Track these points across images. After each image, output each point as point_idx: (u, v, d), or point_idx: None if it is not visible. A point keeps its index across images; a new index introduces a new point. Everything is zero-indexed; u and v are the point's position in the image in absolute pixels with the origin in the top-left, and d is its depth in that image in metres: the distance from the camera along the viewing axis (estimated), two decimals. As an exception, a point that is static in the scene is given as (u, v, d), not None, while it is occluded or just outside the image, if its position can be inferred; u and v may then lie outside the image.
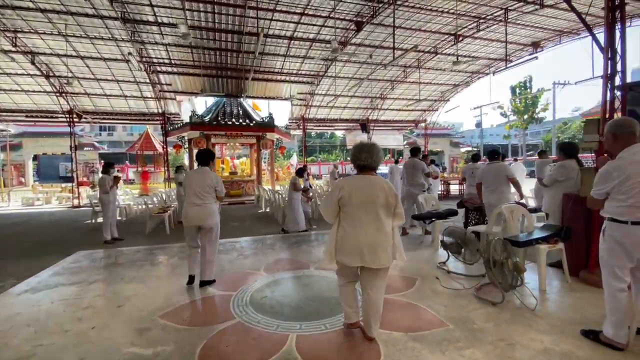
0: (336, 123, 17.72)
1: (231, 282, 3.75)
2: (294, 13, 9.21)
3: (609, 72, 3.30)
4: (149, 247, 5.59)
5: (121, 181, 7.45)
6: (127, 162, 30.29)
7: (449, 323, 2.68)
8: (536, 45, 12.20)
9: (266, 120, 12.91)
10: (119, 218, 7.59)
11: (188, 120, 12.06)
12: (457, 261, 4.21)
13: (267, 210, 9.90)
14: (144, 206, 9.03)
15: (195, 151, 14.26)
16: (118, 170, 18.67)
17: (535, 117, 35.31)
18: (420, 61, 13.12)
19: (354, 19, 9.69)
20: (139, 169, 17.21)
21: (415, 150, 6.34)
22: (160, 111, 13.98)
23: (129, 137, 40.92)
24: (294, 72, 13.08)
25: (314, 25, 10.02)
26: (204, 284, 3.61)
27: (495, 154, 5.25)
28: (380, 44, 11.49)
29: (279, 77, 13.37)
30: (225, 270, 4.20)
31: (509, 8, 9.13)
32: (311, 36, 10.71)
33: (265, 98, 14.77)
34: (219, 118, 12.63)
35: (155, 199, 8.36)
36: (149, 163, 18.85)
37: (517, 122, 36.03)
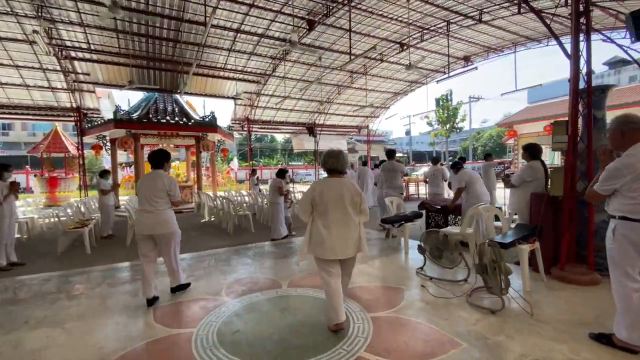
0: (282, 126, 17.15)
1: (187, 315, 2.98)
2: (242, 3, 8.49)
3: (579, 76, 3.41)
4: (64, 273, 4.36)
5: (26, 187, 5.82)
6: (27, 166, 25.36)
7: (460, 341, 2.38)
8: (467, 59, 13.34)
9: (208, 119, 11.77)
10: (17, 236, 5.94)
11: (111, 117, 10.33)
12: (434, 266, 4.04)
13: (212, 219, 8.89)
14: (54, 219, 7.33)
15: (119, 153, 12.45)
16: (37, 176, 15.28)
17: (456, 126, 40.01)
18: (366, 67, 13.36)
19: (307, 16, 9.34)
20: (46, 174, 14.33)
21: (391, 153, 6.25)
22: (74, 105, 11.80)
23: (30, 137, 34.51)
24: (240, 69, 12.21)
25: (263, 19, 9.40)
26: (176, 289, 3.52)
27: (462, 161, 5.66)
28: (330, 47, 11.35)
29: (222, 74, 12.35)
30: (177, 299, 3.38)
31: (451, 21, 9.73)
32: (260, 31, 10.06)
33: (206, 95, 13.55)
34: (150, 115, 11.12)
35: (69, 210, 6.80)
36: (59, 168, 15.88)
37: (441, 131, 40.38)
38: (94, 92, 11.98)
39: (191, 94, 13.21)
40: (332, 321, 2.57)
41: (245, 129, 15.72)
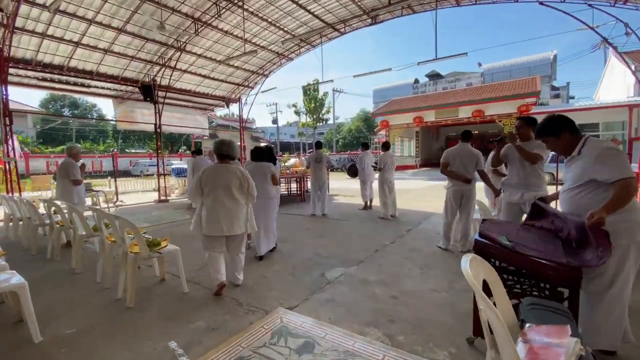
0: (91, 79, 9.96)
1: None
2: None
3: None
4: None
5: None
6: None
7: None
8: (374, 17, 10.30)
9: None
10: None
11: None
12: None
13: None
14: None
15: None
16: None
17: (322, 117, 39.91)
18: (244, -8, 8.38)
19: None
20: None
21: (467, 134, 4.32)
22: None
23: None
24: None
25: None
26: None
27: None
28: None
29: None
30: None
31: None
32: None
33: None
34: None
35: None
36: None
37: (308, 122, 39.56)
38: None
39: None
40: (215, 281, 3.07)
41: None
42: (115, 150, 31.31)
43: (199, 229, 3.02)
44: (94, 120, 43.23)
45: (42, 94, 48.04)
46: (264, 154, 4.27)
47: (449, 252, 4.26)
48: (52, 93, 39.72)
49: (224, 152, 3.08)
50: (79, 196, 5.04)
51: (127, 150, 39.51)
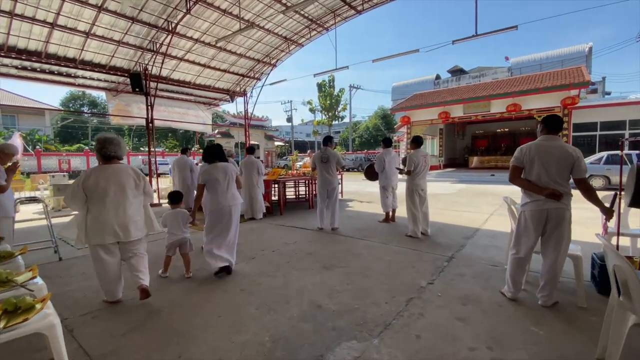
0: (75, 67, 8.88)
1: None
2: None
3: None
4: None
5: None
6: None
7: None
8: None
9: None
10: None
11: None
12: None
13: None
14: None
15: None
16: None
17: (337, 115, 38.41)
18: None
19: None
20: None
21: (555, 120, 2.71)
22: None
23: None
24: None
25: None
26: None
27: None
28: None
29: None
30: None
31: None
32: None
33: None
34: None
35: None
36: None
37: (323, 120, 38.20)
38: None
39: None
40: (110, 298, 2.78)
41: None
42: (128, 149, 30.91)
43: (83, 240, 2.64)
44: (108, 116, 43.39)
45: (62, 93, 48.87)
46: (218, 154, 3.61)
47: (522, 307, 2.66)
48: (72, 92, 40.12)
49: (111, 153, 2.73)
50: (2, 207, 3.76)
51: (142, 149, 39.26)
